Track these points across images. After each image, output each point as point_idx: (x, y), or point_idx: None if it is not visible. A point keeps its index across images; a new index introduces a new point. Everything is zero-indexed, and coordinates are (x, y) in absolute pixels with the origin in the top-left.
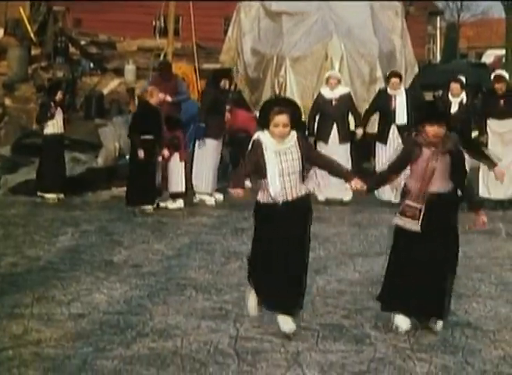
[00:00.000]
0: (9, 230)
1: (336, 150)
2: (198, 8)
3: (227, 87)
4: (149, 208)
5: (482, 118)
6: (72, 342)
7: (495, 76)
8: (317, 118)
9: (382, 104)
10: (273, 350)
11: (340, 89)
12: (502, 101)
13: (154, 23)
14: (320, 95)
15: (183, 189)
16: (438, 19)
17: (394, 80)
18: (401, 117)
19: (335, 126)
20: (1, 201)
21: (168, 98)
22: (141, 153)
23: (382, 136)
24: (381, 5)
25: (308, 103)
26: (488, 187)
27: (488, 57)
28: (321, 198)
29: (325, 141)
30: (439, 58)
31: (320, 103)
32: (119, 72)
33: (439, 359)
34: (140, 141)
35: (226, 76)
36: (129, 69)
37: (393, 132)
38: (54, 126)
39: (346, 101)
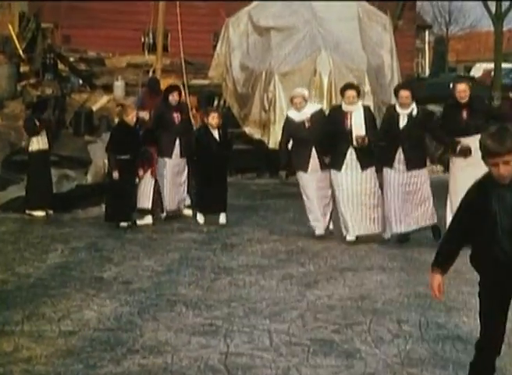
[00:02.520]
0: None
1: (318, 179)
2: (187, 24)
3: (176, 102)
4: (124, 225)
5: (442, 134)
6: (62, 359)
7: (455, 79)
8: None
9: (336, 123)
10: (264, 366)
11: (310, 107)
12: (465, 113)
13: (142, 39)
14: (288, 120)
15: (149, 206)
16: (426, 32)
17: (350, 93)
18: None
19: (313, 151)
20: None
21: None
22: (116, 174)
23: (337, 161)
24: (369, 19)
25: None
26: None
27: (477, 70)
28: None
29: (305, 170)
30: (427, 72)
31: (290, 129)
32: (108, 88)
33: (430, 373)
34: (115, 161)
35: (174, 91)
36: (118, 85)
37: (351, 156)
38: (39, 143)
39: (322, 120)
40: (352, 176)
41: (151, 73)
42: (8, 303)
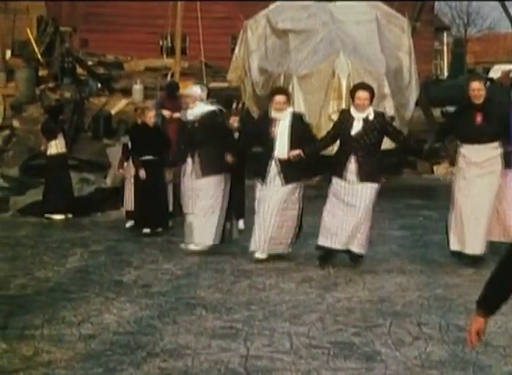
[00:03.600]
0: (18, 251)
1: (197, 187)
2: (205, 27)
3: None
4: (147, 231)
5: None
6: (82, 363)
7: (469, 77)
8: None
9: (261, 131)
10: (284, 368)
11: (201, 107)
12: (479, 117)
13: (161, 42)
14: (182, 119)
15: (169, 210)
16: (445, 34)
17: (278, 98)
18: (281, 149)
19: (197, 155)
20: (9, 222)
21: (177, 115)
22: (142, 173)
23: (260, 172)
24: (387, 21)
25: (315, 121)
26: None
27: (496, 72)
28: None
29: (183, 175)
30: (446, 73)
31: (184, 128)
32: (126, 92)
33: None
34: (140, 162)
35: None
36: (137, 88)
37: (272, 168)
38: (57, 147)
39: (213, 121)
40: (270, 190)
41: (169, 77)
42: (27, 307)
